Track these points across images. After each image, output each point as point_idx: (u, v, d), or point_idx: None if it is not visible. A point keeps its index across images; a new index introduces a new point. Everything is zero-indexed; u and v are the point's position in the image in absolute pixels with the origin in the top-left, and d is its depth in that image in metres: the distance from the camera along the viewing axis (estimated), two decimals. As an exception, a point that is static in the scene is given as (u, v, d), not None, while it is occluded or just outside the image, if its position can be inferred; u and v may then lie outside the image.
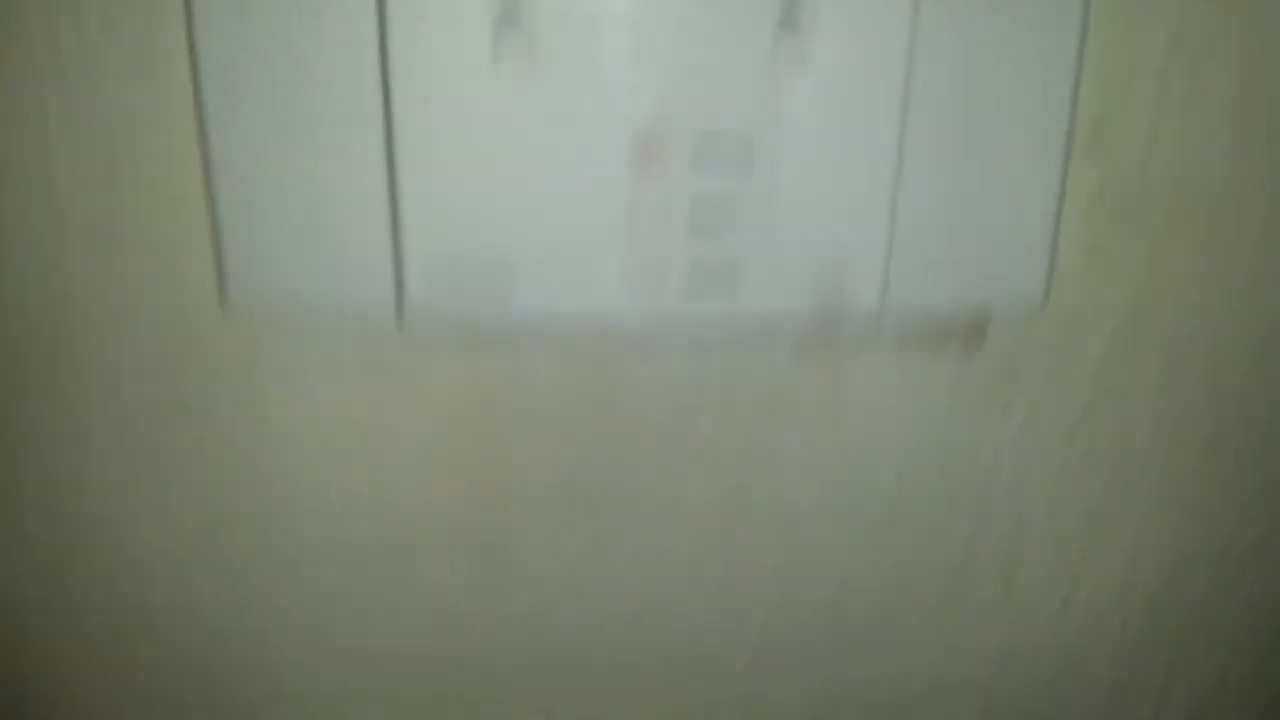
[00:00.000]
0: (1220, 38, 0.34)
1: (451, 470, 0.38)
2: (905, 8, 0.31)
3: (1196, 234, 0.37)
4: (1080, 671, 0.44)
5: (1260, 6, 0.34)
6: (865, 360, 0.38)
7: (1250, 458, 0.40)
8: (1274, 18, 0.34)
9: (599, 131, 0.32)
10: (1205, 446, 0.40)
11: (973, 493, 0.40)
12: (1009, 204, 0.35)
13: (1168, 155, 0.36)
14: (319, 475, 0.38)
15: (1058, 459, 0.40)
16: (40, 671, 0.41)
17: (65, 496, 0.38)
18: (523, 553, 0.39)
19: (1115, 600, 0.42)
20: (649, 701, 0.42)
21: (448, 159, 0.32)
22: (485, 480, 0.38)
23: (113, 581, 0.39)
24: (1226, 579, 0.43)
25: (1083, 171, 0.36)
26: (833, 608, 0.41)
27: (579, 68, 0.31)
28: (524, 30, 0.30)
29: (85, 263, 0.35)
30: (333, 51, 0.31)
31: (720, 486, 0.39)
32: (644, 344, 0.36)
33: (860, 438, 0.39)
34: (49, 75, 0.32)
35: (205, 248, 0.34)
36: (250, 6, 0.31)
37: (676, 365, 0.37)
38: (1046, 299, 0.36)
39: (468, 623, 0.40)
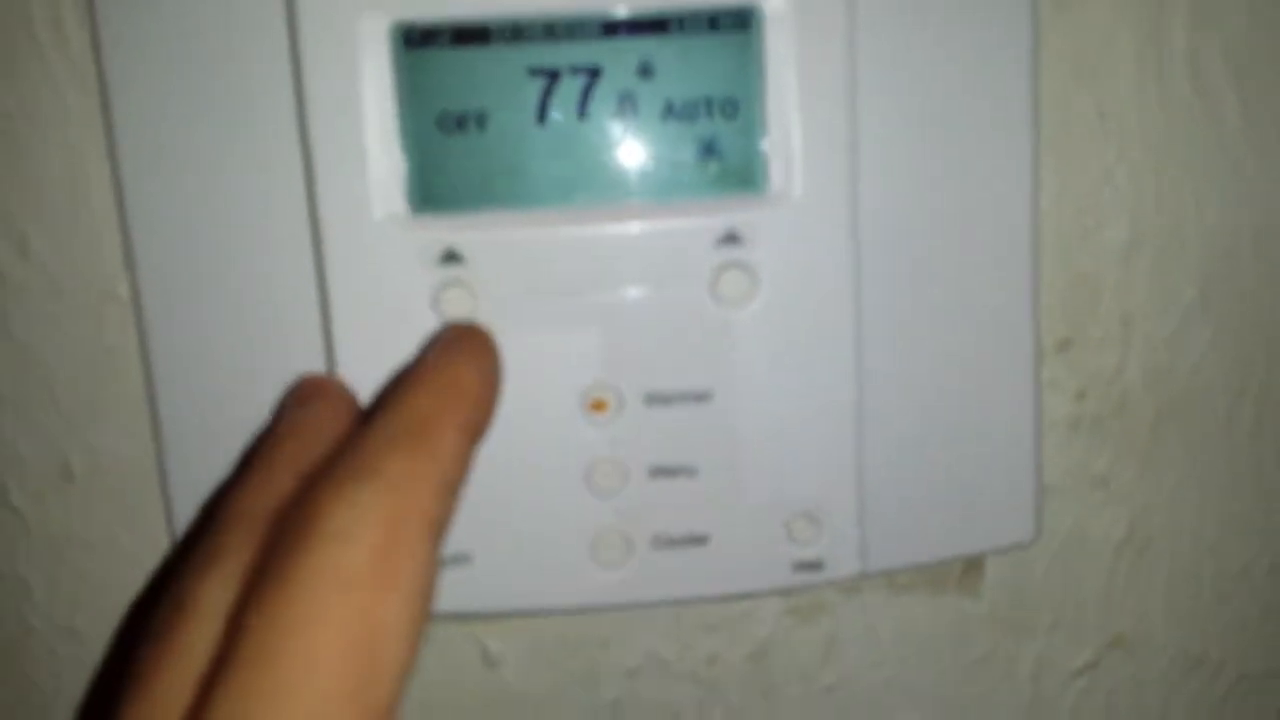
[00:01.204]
0: (1179, 232, 0.32)
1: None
2: (845, 244, 0.28)
3: (1186, 439, 0.34)
4: None
5: (1215, 197, 0.32)
6: (856, 606, 0.34)
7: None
8: (1233, 203, 0.32)
9: (547, 385, 0.29)
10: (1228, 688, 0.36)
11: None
12: (984, 439, 0.31)
13: (1142, 364, 0.33)
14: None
15: (1071, 696, 0.36)
16: None
17: None
18: None
19: None
20: None
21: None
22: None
23: None
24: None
25: (1057, 395, 0.33)
26: None
27: (524, 318, 0.28)
28: (466, 276, 0.28)
29: None
30: (270, 301, 0.29)
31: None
32: (615, 608, 0.32)
33: (858, 690, 0.34)
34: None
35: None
36: (197, 296, 0.29)
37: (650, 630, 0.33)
38: (1039, 532, 0.32)
39: None
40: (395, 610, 0.18)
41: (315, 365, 0.29)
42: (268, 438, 0.25)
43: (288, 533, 0.19)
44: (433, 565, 0.19)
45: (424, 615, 0.19)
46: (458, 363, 0.23)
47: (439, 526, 0.20)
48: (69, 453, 0.31)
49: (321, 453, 0.23)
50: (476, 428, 0.22)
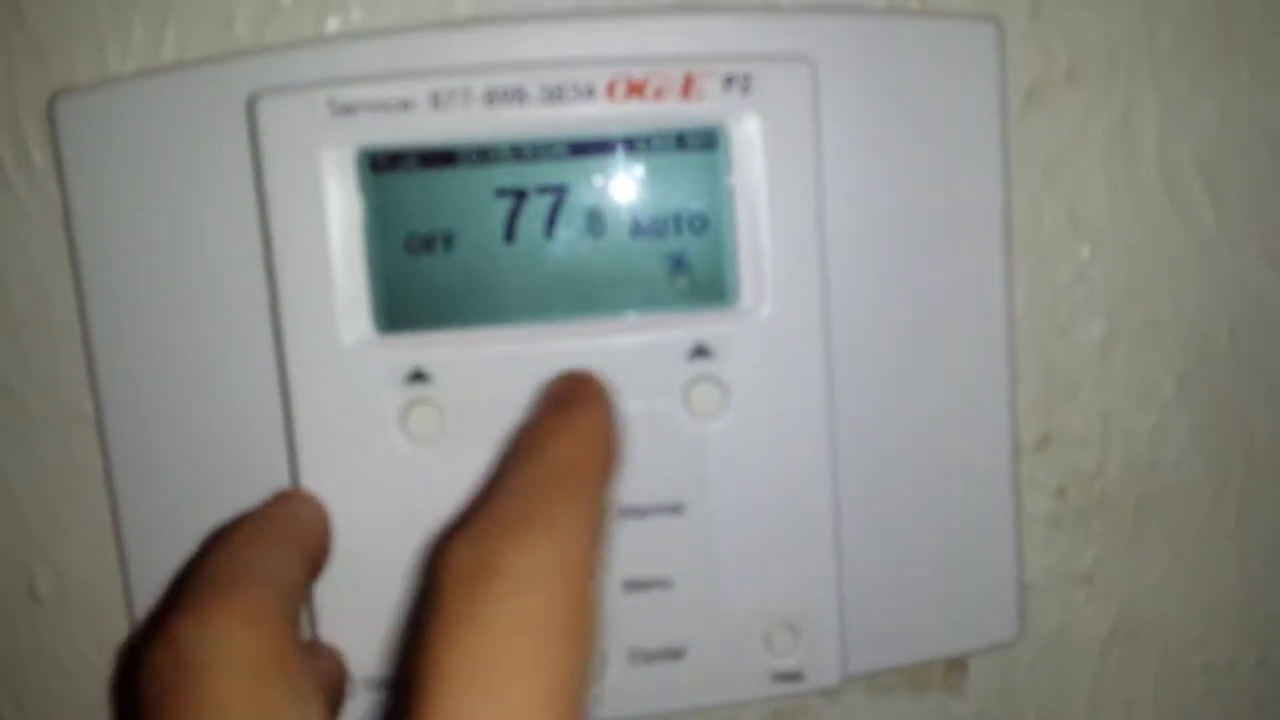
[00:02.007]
0: (1155, 326, 0.32)
1: None
2: (816, 355, 0.28)
3: (1169, 533, 0.34)
4: None
5: (1190, 290, 0.32)
6: (838, 710, 0.34)
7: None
8: (1208, 295, 0.32)
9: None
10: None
11: None
12: (963, 539, 0.31)
13: (1123, 459, 0.33)
14: None
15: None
16: None
17: None
18: None
19: None
20: None
21: (356, 531, 0.28)
22: None
23: None
24: None
25: (1037, 493, 0.33)
26: None
27: (493, 435, 0.27)
28: (434, 394, 0.27)
29: None
30: (235, 421, 0.29)
31: None
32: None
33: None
34: None
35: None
36: (162, 416, 0.29)
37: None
38: (1022, 630, 0.32)
39: None
40: (576, 656, 0.18)
41: (280, 483, 0.28)
42: (258, 513, 0.25)
43: (461, 578, 0.19)
44: (599, 613, 0.19)
45: (594, 662, 0.19)
46: (593, 412, 0.24)
47: (599, 573, 0.20)
48: (35, 572, 0.31)
49: (313, 531, 0.24)
50: (614, 475, 0.23)
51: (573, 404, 0.24)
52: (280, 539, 0.25)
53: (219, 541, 0.24)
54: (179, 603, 0.21)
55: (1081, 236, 0.32)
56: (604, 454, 0.22)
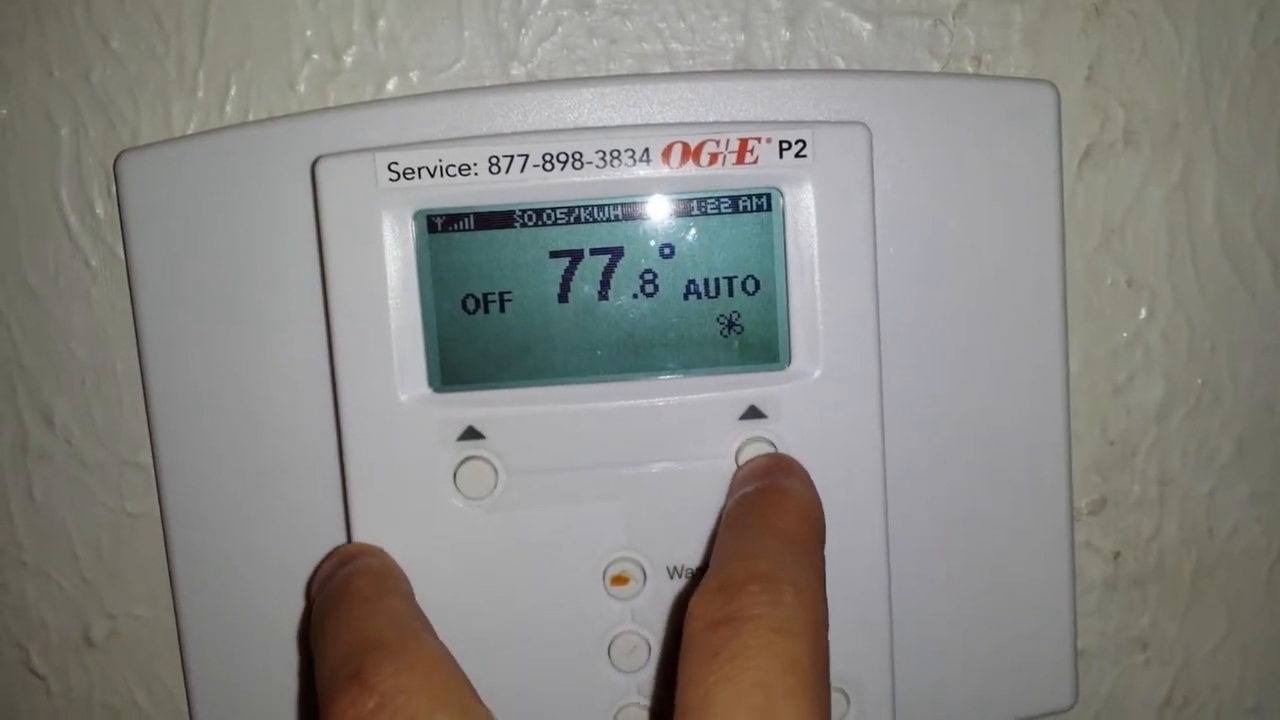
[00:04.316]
0: (1214, 389, 0.32)
1: None
2: (869, 417, 0.28)
3: (1226, 598, 0.33)
4: None
5: (1249, 353, 0.32)
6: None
7: None
8: (1267, 359, 0.32)
9: (568, 559, 0.28)
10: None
11: None
12: (1018, 605, 0.31)
13: (1180, 523, 0.32)
14: None
15: None
16: None
17: None
18: None
19: None
20: None
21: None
22: None
23: None
24: None
25: (1092, 556, 0.32)
26: None
27: (545, 492, 0.28)
28: (488, 451, 0.27)
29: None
30: (289, 473, 0.29)
31: None
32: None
33: None
34: None
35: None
36: (217, 466, 0.29)
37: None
38: (1076, 697, 0.31)
39: None
40: (826, 694, 0.21)
41: (334, 534, 0.29)
42: (341, 581, 0.25)
43: (718, 625, 0.21)
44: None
45: None
46: (807, 484, 0.26)
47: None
48: (90, 617, 0.31)
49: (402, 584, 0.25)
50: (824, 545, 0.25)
51: (789, 476, 0.26)
52: (406, 594, 0.26)
53: (346, 599, 0.24)
54: (364, 656, 0.21)
55: (1140, 298, 0.31)
56: (822, 523, 0.25)
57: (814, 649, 0.21)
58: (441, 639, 0.24)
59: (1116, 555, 0.32)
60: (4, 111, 0.29)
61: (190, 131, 0.29)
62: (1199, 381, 0.32)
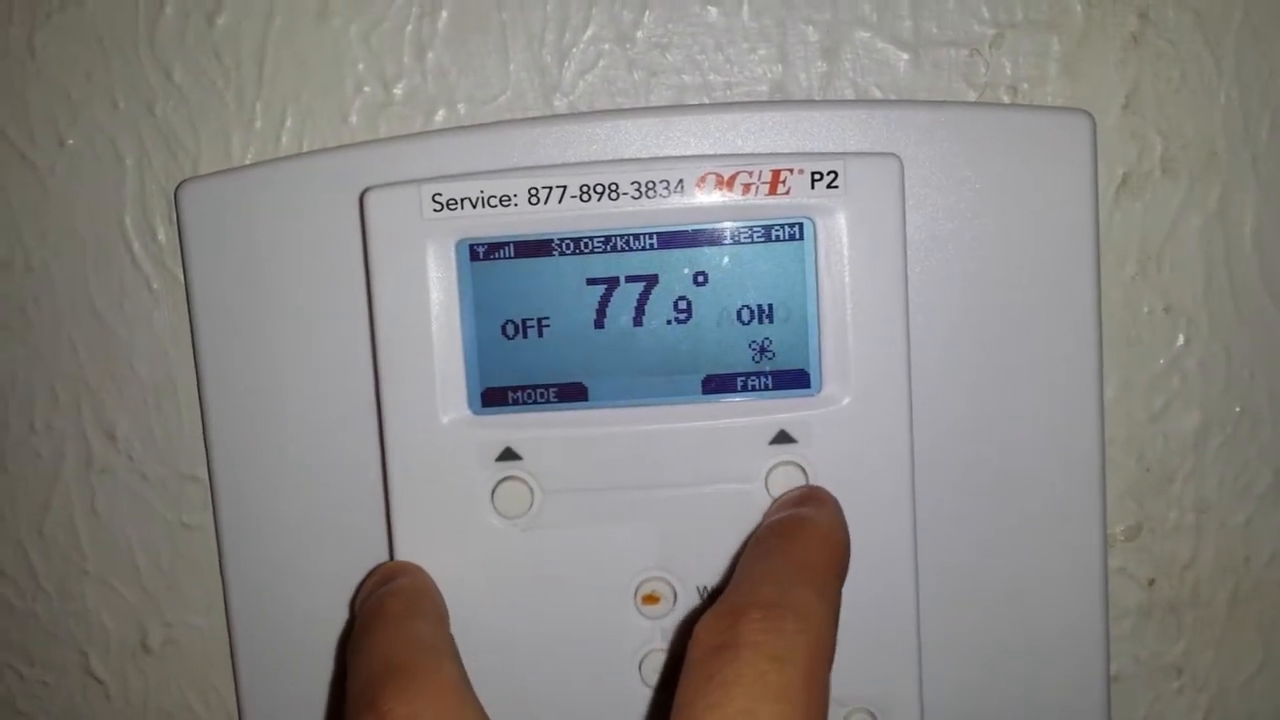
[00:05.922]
0: (1252, 416, 0.32)
1: None
2: (899, 443, 0.28)
3: (1262, 625, 0.33)
4: None
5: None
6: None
7: None
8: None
9: (600, 577, 0.29)
10: None
11: None
12: (1050, 630, 0.31)
13: (1216, 550, 0.32)
14: None
15: None
16: None
17: None
18: None
19: None
20: None
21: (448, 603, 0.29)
22: None
23: None
24: None
25: (1127, 582, 0.32)
26: None
27: (579, 512, 0.29)
28: (524, 472, 0.28)
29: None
30: (337, 489, 0.30)
31: None
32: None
33: None
34: None
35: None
36: (269, 482, 0.30)
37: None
38: (1109, 723, 0.31)
39: None
40: None
41: (378, 548, 0.30)
42: (375, 602, 0.26)
43: (714, 651, 0.21)
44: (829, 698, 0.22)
45: None
46: (834, 515, 0.26)
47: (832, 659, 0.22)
48: (148, 625, 0.33)
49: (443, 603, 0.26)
50: (846, 574, 0.25)
51: (817, 506, 0.27)
52: (435, 616, 0.26)
53: (377, 621, 0.25)
54: (381, 683, 0.22)
55: (1177, 325, 0.31)
56: (843, 553, 0.25)
57: (809, 679, 0.21)
58: (474, 654, 0.25)
59: (1152, 582, 0.32)
60: (72, 142, 0.30)
61: (248, 162, 0.30)
62: (1237, 409, 0.32)
